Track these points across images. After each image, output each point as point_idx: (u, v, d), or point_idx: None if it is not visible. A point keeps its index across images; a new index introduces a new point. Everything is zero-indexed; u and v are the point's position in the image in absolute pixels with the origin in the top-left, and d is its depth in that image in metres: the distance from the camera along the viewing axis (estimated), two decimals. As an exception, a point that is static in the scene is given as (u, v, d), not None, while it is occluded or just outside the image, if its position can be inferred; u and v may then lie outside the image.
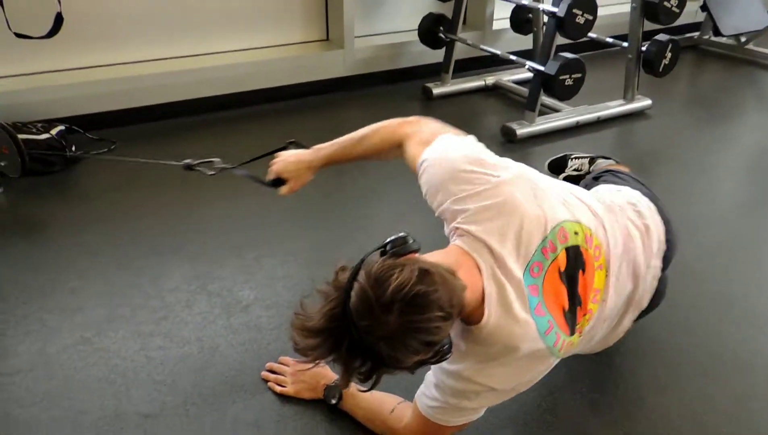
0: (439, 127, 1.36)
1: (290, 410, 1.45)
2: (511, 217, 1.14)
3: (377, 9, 3.40)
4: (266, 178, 1.58)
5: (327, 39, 3.33)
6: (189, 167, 1.70)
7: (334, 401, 1.42)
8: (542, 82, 2.64)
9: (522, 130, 2.76)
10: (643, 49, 2.91)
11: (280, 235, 2.08)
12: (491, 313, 1.10)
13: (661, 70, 2.90)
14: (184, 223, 2.14)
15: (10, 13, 2.39)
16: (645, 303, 1.41)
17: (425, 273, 0.98)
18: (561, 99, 2.78)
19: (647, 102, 3.13)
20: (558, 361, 1.23)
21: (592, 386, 1.53)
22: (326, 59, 3.22)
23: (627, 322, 1.39)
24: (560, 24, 2.51)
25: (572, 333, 1.20)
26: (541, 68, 2.62)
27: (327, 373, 1.46)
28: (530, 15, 3.42)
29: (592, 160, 2.22)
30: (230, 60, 3.05)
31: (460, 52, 3.31)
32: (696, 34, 4.23)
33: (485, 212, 1.15)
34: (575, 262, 1.19)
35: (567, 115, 2.94)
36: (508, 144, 2.78)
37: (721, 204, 2.36)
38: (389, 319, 0.95)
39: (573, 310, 1.20)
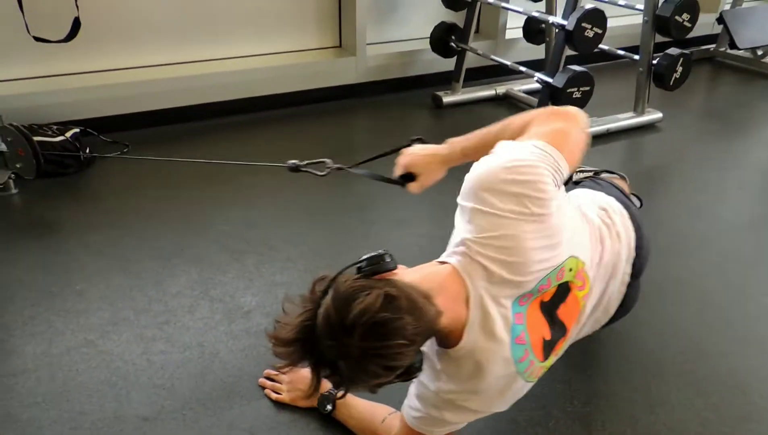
0: (558, 129, 1.23)
1: (285, 417, 1.48)
2: (521, 255, 1.12)
3: (390, 17, 3.43)
4: (394, 174, 1.48)
5: (340, 46, 3.37)
6: (296, 168, 1.60)
7: (328, 410, 1.45)
8: (550, 95, 2.64)
9: (529, 142, 2.77)
10: (654, 62, 2.90)
11: (282, 241, 2.11)
12: (470, 338, 1.11)
13: (671, 83, 2.89)
14: (189, 228, 2.18)
15: (29, 17, 2.45)
16: (612, 310, 1.42)
17: (391, 299, 0.97)
18: (568, 111, 2.78)
19: (658, 115, 3.12)
20: (531, 385, 1.25)
21: (584, 400, 1.54)
22: (338, 66, 3.26)
23: (588, 327, 1.41)
24: (569, 37, 2.51)
25: (547, 358, 1.22)
26: (550, 80, 2.62)
27: (322, 382, 1.48)
28: (543, 25, 3.42)
29: (596, 174, 2.23)
30: (243, 65, 3.09)
31: (472, 61, 3.33)
32: (712, 46, 4.21)
33: (498, 241, 1.11)
34: (561, 295, 1.21)
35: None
36: (515, 155, 2.78)
37: (727, 221, 2.35)
38: (350, 343, 0.95)
39: (554, 340, 1.21)
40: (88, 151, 2.60)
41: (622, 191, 1.62)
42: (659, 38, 2.91)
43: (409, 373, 1.05)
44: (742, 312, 1.86)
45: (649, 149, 3.01)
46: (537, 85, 3.21)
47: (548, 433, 1.46)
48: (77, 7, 2.52)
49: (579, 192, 1.56)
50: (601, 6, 2.98)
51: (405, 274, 1.09)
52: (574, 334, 1.31)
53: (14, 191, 2.36)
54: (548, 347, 1.21)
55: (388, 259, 1.07)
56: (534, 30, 3.45)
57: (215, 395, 1.52)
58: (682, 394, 1.56)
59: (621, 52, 3.15)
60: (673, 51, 2.87)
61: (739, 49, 3.89)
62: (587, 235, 1.29)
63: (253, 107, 3.12)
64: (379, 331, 0.95)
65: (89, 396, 1.51)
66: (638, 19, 2.92)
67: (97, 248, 2.06)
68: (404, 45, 3.44)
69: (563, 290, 1.21)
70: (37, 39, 2.49)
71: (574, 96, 2.59)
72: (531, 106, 3.18)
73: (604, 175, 2.21)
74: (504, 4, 3.09)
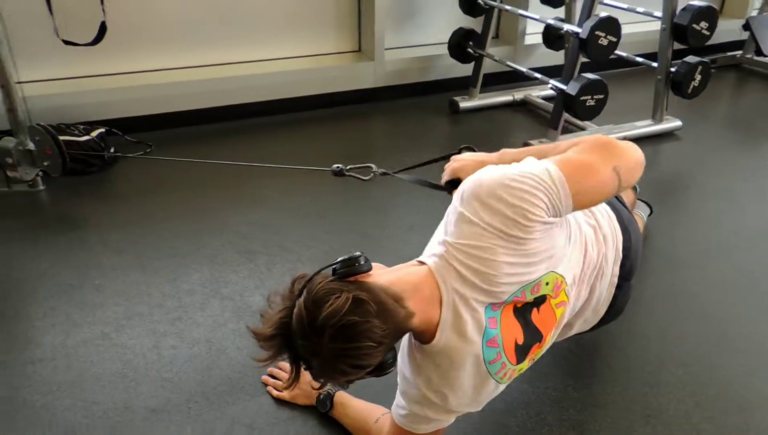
0: (586, 161, 1.19)
1: (285, 414, 1.53)
2: (493, 266, 1.14)
3: (409, 22, 3.47)
4: (441, 180, 1.48)
5: (359, 50, 3.42)
6: (340, 172, 1.65)
7: (325, 409, 1.50)
8: (563, 102, 2.66)
9: (543, 148, 2.78)
10: (673, 69, 2.89)
11: (294, 243, 2.16)
12: (442, 335, 1.15)
13: (690, 91, 2.87)
14: (205, 228, 2.25)
15: (58, 21, 2.55)
16: (602, 310, 1.45)
17: (360, 302, 1.02)
18: (582, 119, 2.79)
19: (677, 123, 3.10)
20: (504, 386, 1.28)
21: (579, 408, 1.56)
22: (357, 70, 3.31)
23: (577, 328, 1.44)
24: (582, 45, 2.52)
25: (520, 362, 1.25)
26: (563, 87, 2.64)
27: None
28: (562, 31, 3.42)
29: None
30: (264, 69, 3.16)
31: (491, 66, 3.35)
32: (738, 52, 4.15)
33: (476, 250, 1.14)
34: (533, 303, 1.23)
35: (591, 134, 2.93)
36: (529, 161, 2.80)
37: (742, 233, 2.32)
38: (321, 342, 1.01)
39: (527, 345, 1.24)
40: (112, 150, 2.70)
41: (616, 197, 1.63)
42: (684, 45, 2.90)
43: (381, 369, 1.10)
44: (748, 326, 1.85)
45: (666, 157, 3.00)
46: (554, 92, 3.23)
47: (541, 439, 1.49)
48: (104, 11, 2.62)
49: None
50: (619, 13, 3.00)
51: (380, 276, 1.13)
52: (552, 340, 1.34)
53: (42, 188, 2.46)
54: (521, 351, 1.24)
55: (362, 262, 1.11)
56: (553, 36, 3.45)
57: (220, 390, 1.59)
58: (679, 405, 1.57)
59: (640, 59, 3.14)
60: (691, 59, 2.85)
61: (766, 56, 3.83)
62: (576, 251, 1.31)
63: (274, 110, 3.19)
64: (347, 333, 1.01)
65: (102, 386, 1.58)
66: (658, 25, 2.91)
67: (117, 245, 2.14)
68: (422, 50, 3.47)
69: (537, 300, 1.24)
70: (66, 42, 2.59)
71: (587, 104, 2.60)
72: (548, 112, 3.20)
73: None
74: (521, 12, 3.10)
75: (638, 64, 3.17)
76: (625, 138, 2.92)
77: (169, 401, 1.55)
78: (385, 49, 3.30)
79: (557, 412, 1.55)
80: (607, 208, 1.52)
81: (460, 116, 3.28)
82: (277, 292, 1.10)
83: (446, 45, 3.31)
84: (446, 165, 1.47)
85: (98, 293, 1.90)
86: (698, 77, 2.86)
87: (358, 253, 1.12)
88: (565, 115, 2.80)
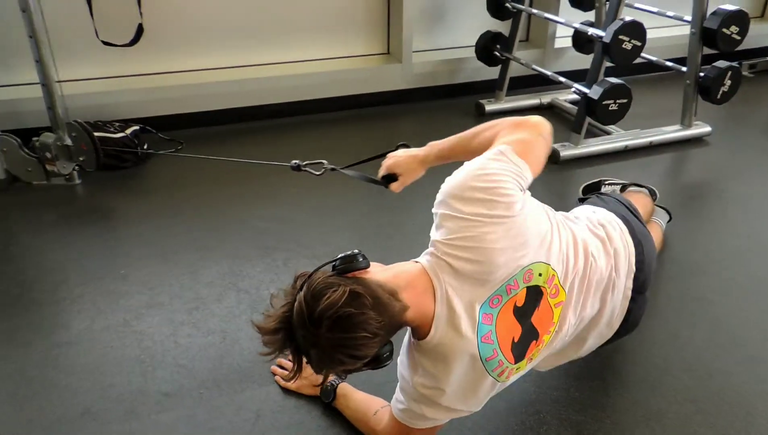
0: (521, 139, 1.32)
1: (291, 403, 1.59)
2: (486, 255, 1.20)
3: (437, 25, 3.50)
4: (378, 175, 1.63)
5: (388, 53, 3.47)
6: (298, 168, 1.78)
7: (328, 399, 1.55)
8: (586, 106, 2.65)
9: (566, 152, 2.78)
10: (702, 74, 2.85)
11: (312, 239, 2.23)
12: (437, 331, 1.19)
13: (719, 97, 2.83)
14: (228, 223, 2.34)
15: (98, 23, 2.68)
16: (616, 324, 1.46)
17: (356, 295, 1.08)
18: (605, 123, 2.79)
19: (706, 129, 3.05)
20: (505, 385, 1.31)
21: (579, 408, 1.57)
22: (385, 72, 3.36)
23: (592, 342, 1.46)
24: (606, 49, 2.51)
25: (518, 361, 1.28)
26: (586, 91, 2.63)
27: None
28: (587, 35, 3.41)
29: (624, 187, 2.24)
30: (295, 70, 3.23)
31: (520, 69, 3.35)
32: (780, 57, 4.05)
33: (464, 241, 1.21)
34: (533, 300, 1.26)
35: (616, 139, 2.92)
36: (551, 165, 2.79)
37: (762, 242, 2.28)
38: (319, 333, 1.07)
39: (525, 343, 1.27)
40: (146, 147, 2.81)
41: (629, 207, 1.64)
42: (714, 50, 2.85)
43: (378, 362, 1.16)
44: (758, 333, 1.83)
45: (692, 163, 2.95)
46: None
47: (539, 438, 1.51)
48: (141, 14, 2.74)
49: (579, 209, 1.61)
50: (649, 17, 2.98)
51: (377, 273, 1.20)
52: (557, 342, 1.36)
53: (78, 181, 2.59)
54: (518, 349, 1.26)
55: (360, 259, 1.18)
56: (583, 39, 3.43)
57: (230, 378, 1.66)
58: (681, 410, 1.57)
59: (669, 64, 3.10)
60: (721, 63, 2.81)
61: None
62: (565, 246, 1.33)
63: (304, 110, 3.27)
64: (343, 324, 1.07)
65: (120, 370, 1.67)
66: (688, 29, 2.88)
67: (144, 237, 2.24)
68: (450, 53, 3.50)
69: (535, 295, 1.26)
70: (104, 43, 2.73)
71: (610, 108, 2.59)
72: (574, 117, 3.19)
73: (631, 189, 2.23)
74: (547, 15, 3.10)
75: (668, 68, 3.14)
76: (651, 143, 2.93)
77: (182, 386, 1.63)
78: (413, 52, 3.34)
79: (557, 411, 1.57)
80: (620, 221, 1.53)
81: (486, 119, 3.24)
82: (279, 292, 1.17)
83: (474, 48, 3.33)
84: (383, 161, 1.61)
85: (123, 282, 2.00)
86: (728, 82, 2.82)
87: (356, 251, 1.20)
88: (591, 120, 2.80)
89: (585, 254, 1.37)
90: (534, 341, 1.29)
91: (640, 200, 2.06)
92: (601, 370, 1.70)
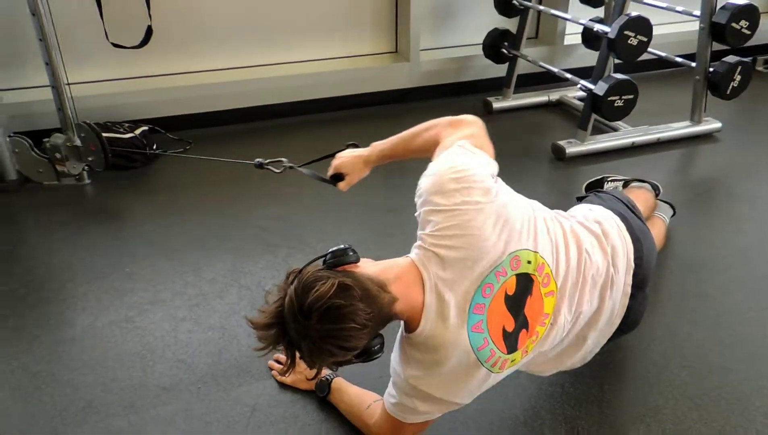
0: (469, 133, 1.39)
1: (287, 397, 1.61)
2: (472, 240, 1.22)
3: (445, 23, 3.50)
4: (327, 175, 1.70)
5: (395, 51, 3.48)
6: (260, 166, 1.86)
7: (323, 393, 1.57)
8: (592, 102, 2.63)
9: (571, 149, 2.77)
10: (711, 70, 2.81)
11: (313, 237, 2.25)
12: (427, 323, 1.20)
13: (728, 92, 2.80)
14: (232, 221, 2.37)
15: (108, 25, 2.73)
16: (617, 321, 1.45)
17: (345, 287, 1.11)
18: (610, 120, 2.76)
19: (716, 125, 3.01)
20: (499, 377, 1.30)
21: (574, 404, 1.57)
22: (393, 71, 3.37)
23: (592, 341, 1.44)
24: (611, 45, 2.50)
25: (511, 351, 1.27)
26: (592, 87, 2.62)
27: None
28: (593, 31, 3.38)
29: (626, 184, 2.23)
30: (303, 69, 3.26)
31: (528, 67, 3.34)
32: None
33: (449, 230, 1.23)
34: (524, 288, 1.26)
35: (623, 136, 2.90)
36: (557, 162, 2.79)
37: (766, 238, 2.25)
38: (309, 325, 1.10)
39: (516, 332, 1.27)
40: (155, 147, 2.86)
41: (628, 204, 1.63)
42: (724, 45, 2.82)
43: (368, 355, 1.18)
44: (759, 331, 1.81)
45: (701, 160, 2.92)
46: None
47: (532, 433, 1.51)
48: (150, 16, 2.78)
49: (576, 208, 1.61)
50: (659, 12, 2.95)
51: (366, 267, 1.22)
52: (553, 338, 1.34)
53: (87, 181, 2.64)
54: (510, 339, 1.26)
55: (350, 253, 1.21)
56: (592, 36, 3.41)
57: (228, 373, 1.68)
58: (677, 406, 1.56)
59: (679, 60, 3.07)
60: (731, 59, 2.78)
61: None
62: (554, 236, 1.34)
63: (312, 109, 3.29)
64: (332, 315, 1.09)
65: (121, 365, 1.70)
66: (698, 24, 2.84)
67: (149, 236, 2.28)
68: (458, 51, 3.50)
69: (525, 282, 1.26)
70: (114, 45, 2.77)
71: (616, 104, 2.57)
72: (582, 113, 3.17)
73: (633, 185, 2.22)
74: (553, 11, 3.09)
75: (678, 64, 3.10)
76: (659, 140, 2.90)
77: (180, 381, 1.65)
78: (421, 50, 3.35)
79: (551, 406, 1.57)
80: (617, 218, 1.53)
81: (494, 116, 3.29)
82: (273, 288, 1.20)
83: (481, 46, 3.33)
84: (332, 161, 1.68)
85: (128, 280, 2.04)
86: (738, 78, 2.78)
87: (346, 246, 1.22)
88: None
89: (578, 248, 1.37)
90: (525, 330, 1.28)
91: (641, 196, 2.04)
92: (598, 366, 1.68)
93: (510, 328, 1.26)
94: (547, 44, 3.62)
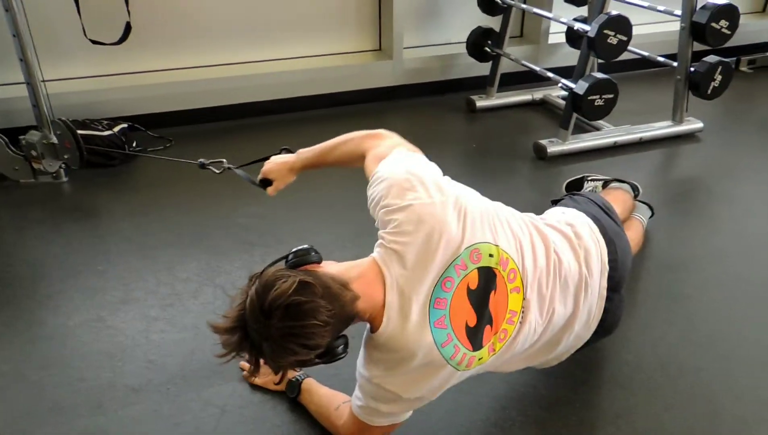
0: (397, 142, 1.44)
1: (257, 398, 1.60)
2: (430, 234, 1.21)
3: (429, 21, 3.49)
4: (257, 179, 1.75)
5: (379, 49, 3.46)
6: (203, 166, 1.90)
7: (293, 394, 1.55)
8: (572, 101, 2.63)
9: (553, 148, 2.76)
10: (692, 70, 2.82)
11: (290, 236, 2.23)
12: (390, 321, 1.19)
13: (709, 92, 2.80)
14: (209, 220, 2.35)
15: (86, 21, 2.70)
16: (594, 324, 1.44)
17: (306, 285, 1.10)
18: (591, 119, 2.76)
19: (698, 125, 3.02)
20: (465, 374, 1.29)
21: (546, 405, 1.57)
22: (376, 69, 3.35)
23: (567, 344, 1.43)
24: (591, 44, 2.49)
25: (477, 349, 1.26)
26: (572, 86, 2.61)
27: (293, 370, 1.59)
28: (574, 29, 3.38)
29: (606, 183, 2.22)
30: (285, 67, 3.24)
31: (512, 65, 3.33)
32: (779, 52, 3.99)
33: (407, 226, 1.22)
34: (486, 282, 1.25)
35: (605, 135, 2.90)
36: (538, 161, 2.79)
37: (747, 239, 2.25)
38: (270, 323, 1.08)
39: (479, 328, 1.25)
40: (134, 144, 2.83)
41: (602, 206, 1.62)
42: (704, 44, 2.82)
43: (332, 355, 1.17)
44: (733, 331, 1.81)
45: (682, 160, 2.92)
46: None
47: (502, 434, 1.50)
48: (128, 12, 2.75)
49: (549, 211, 1.60)
50: (641, 12, 2.95)
51: (329, 267, 1.22)
52: (524, 338, 1.32)
53: (65, 179, 2.61)
54: (473, 335, 1.25)
55: (313, 253, 1.21)
56: (576, 35, 3.40)
57: (199, 374, 1.66)
58: (649, 407, 1.56)
59: (661, 59, 3.07)
60: (711, 58, 2.78)
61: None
62: (518, 231, 1.33)
63: (294, 107, 3.27)
64: (293, 312, 1.08)
65: (90, 365, 1.68)
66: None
67: (125, 234, 2.26)
68: (442, 49, 3.49)
69: (487, 277, 1.25)
70: (93, 42, 2.74)
71: (596, 103, 2.57)
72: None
73: (613, 185, 2.21)
74: (536, 10, 3.07)
75: (660, 64, 3.11)
76: (641, 139, 2.90)
77: (150, 382, 1.64)
78: (405, 48, 3.33)
79: (523, 407, 1.56)
80: (589, 220, 1.52)
81: (477, 115, 3.28)
82: (237, 292, 1.19)
83: (465, 44, 3.32)
84: (263, 166, 1.71)
85: (100, 278, 2.02)
86: (719, 78, 2.78)
87: (308, 246, 1.23)
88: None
89: (545, 247, 1.36)
90: (489, 326, 1.27)
91: (618, 197, 2.04)
92: (570, 367, 1.68)
93: (472, 323, 1.24)
94: (531, 43, 3.62)
